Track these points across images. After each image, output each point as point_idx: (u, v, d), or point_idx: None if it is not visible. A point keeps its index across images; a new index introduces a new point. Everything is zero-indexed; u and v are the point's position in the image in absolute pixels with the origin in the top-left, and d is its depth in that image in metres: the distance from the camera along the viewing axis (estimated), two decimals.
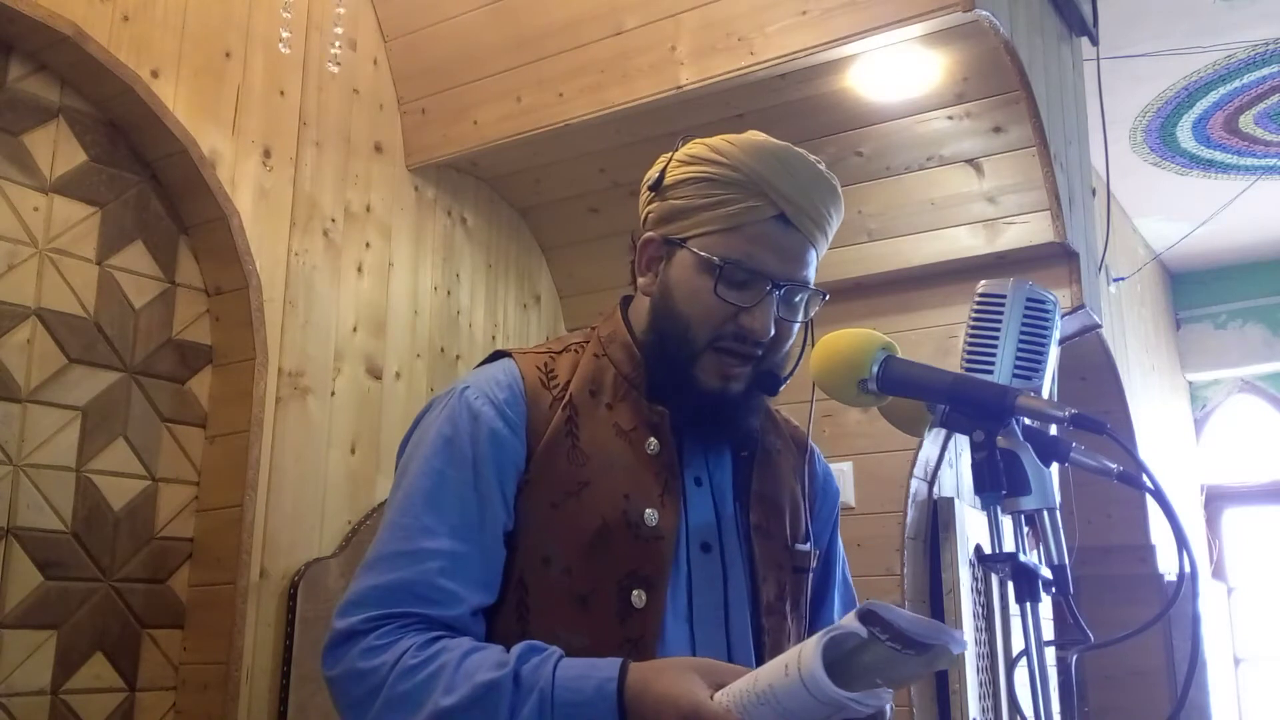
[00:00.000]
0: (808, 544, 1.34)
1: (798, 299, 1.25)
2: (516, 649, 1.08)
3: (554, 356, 1.29)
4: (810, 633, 1.35)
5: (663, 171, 1.27)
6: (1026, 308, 1.10)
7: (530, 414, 1.22)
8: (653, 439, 1.23)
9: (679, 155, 1.27)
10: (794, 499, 1.35)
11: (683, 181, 1.24)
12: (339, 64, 2.75)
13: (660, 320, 1.25)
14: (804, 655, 0.90)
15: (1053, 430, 1.03)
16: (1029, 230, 2.70)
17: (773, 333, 1.22)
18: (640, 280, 1.29)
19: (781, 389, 1.28)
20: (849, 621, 0.91)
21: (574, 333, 1.39)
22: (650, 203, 1.29)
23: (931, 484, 3.02)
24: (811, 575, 1.35)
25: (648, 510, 1.20)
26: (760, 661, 1.23)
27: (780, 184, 1.21)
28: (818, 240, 1.25)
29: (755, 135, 1.26)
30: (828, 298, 1.27)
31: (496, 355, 1.32)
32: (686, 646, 1.19)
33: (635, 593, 1.17)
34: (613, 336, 1.31)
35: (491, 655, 1.08)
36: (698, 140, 1.28)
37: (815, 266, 1.26)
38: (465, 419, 1.21)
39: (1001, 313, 1.10)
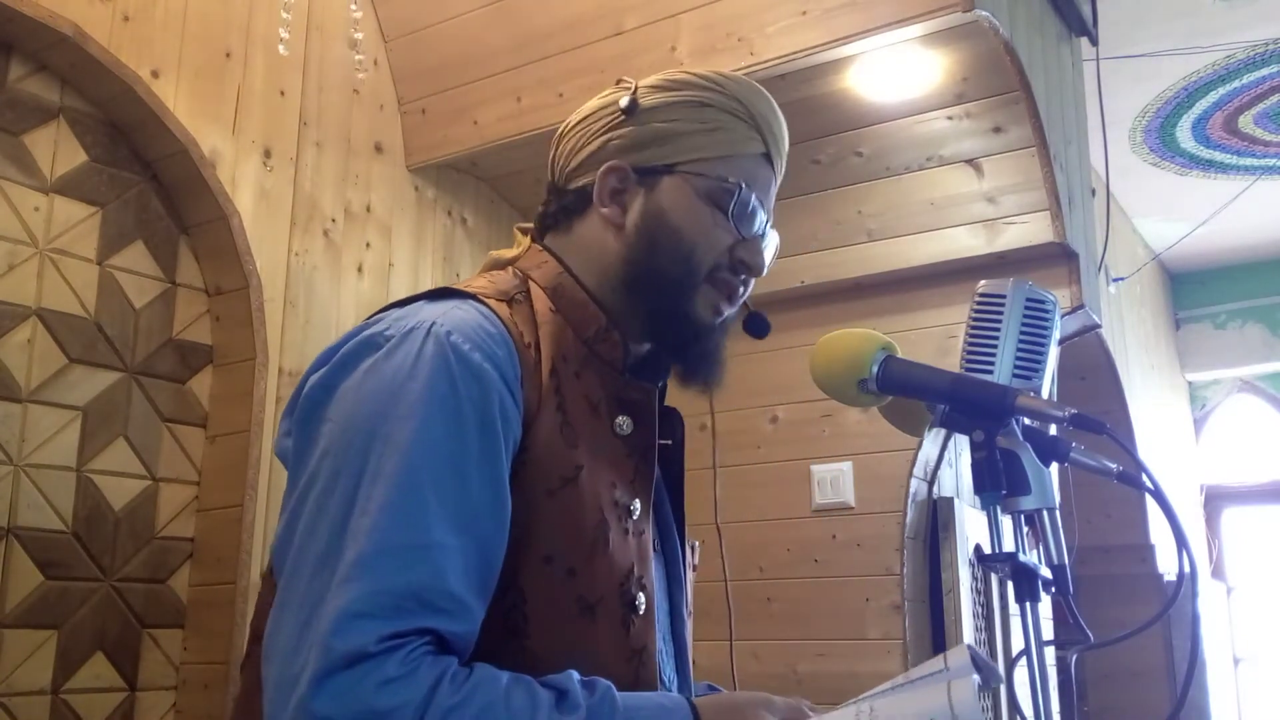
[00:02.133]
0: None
1: (768, 241, 1.20)
2: (571, 685, 0.94)
3: (510, 306, 1.09)
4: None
5: (634, 98, 1.15)
6: (1026, 308, 1.10)
7: (524, 377, 1.03)
8: (624, 417, 1.10)
9: (651, 83, 1.17)
10: None
11: (670, 104, 1.15)
12: (364, 70, 2.76)
13: (655, 248, 1.12)
14: (959, 703, 0.88)
15: (1052, 430, 1.03)
16: (1029, 230, 2.70)
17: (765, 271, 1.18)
18: (604, 212, 1.15)
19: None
20: (969, 668, 0.91)
21: (491, 274, 1.17)
22: (615, 129, 1.16)
23: (931, 484, 3.02)
24: None
25: (633, 501, 1.08)
26: (688, 666, 1.19)
27: (772, 122, 1.17)
28: (778, 180, 1.21)
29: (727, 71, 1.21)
30: (779, 240, 1.23)
31: (444, 293, 1.09)
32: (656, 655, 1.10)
33: (639, 597, 1.05)
34: (560, 290, 1.13)
35: (540, 693, 0.92)
36: (667, 71, 1.20)
37: None
38: (467, 378, 0.97)
39: (1001, 313, 1.10)
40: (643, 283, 1.13)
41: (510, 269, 1.17)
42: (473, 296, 1.07)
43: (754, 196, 1.14)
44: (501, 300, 1.08)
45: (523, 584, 1.00)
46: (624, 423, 1.10)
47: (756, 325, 1.22)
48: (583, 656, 0.99)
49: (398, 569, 0.90)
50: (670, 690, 1.14)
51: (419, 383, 0.96)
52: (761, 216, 1.16)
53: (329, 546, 0.92)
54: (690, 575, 1.25)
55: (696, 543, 1.29)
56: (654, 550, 1.13)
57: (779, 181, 1.22)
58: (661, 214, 1.13)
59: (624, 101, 1.15)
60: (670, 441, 1.20)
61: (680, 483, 1.23)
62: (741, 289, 1.17)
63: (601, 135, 1.17)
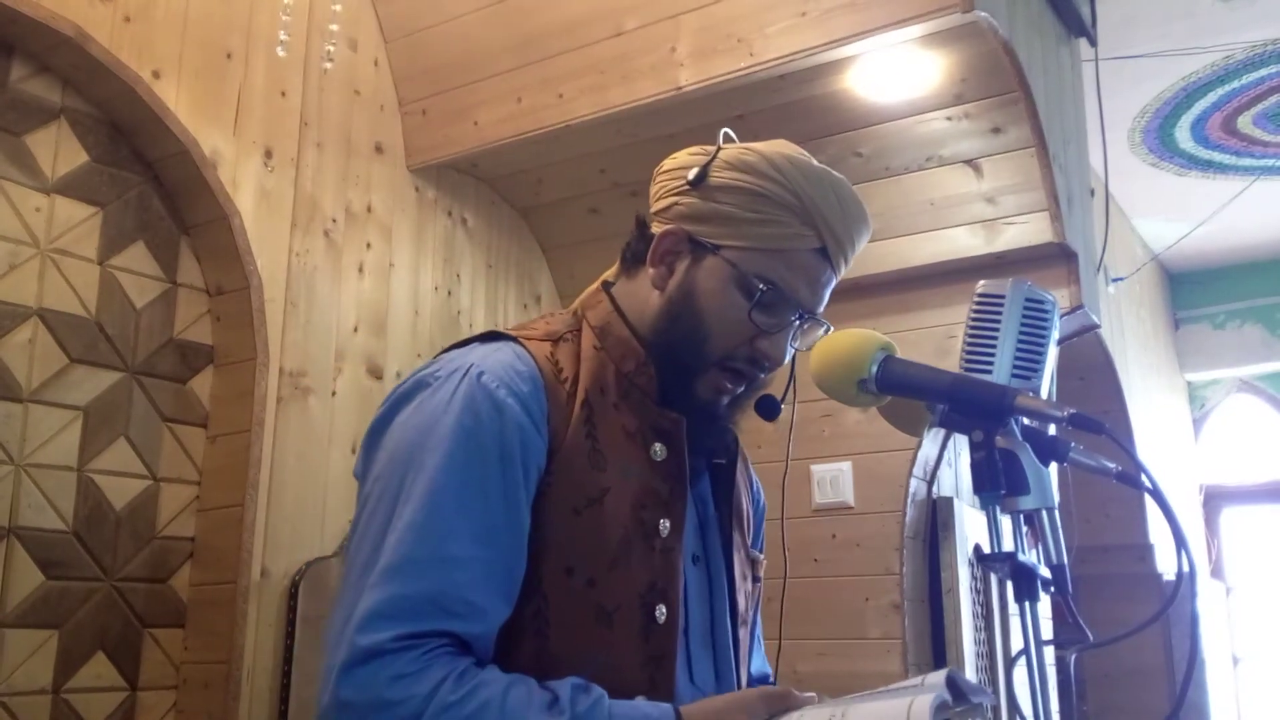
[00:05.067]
0: (757, 551, 1.35)
1: (807, 328, 1.23)
2: (565, 690, 1.02)
3: (555, 345, 1.20)
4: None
5: (705, 169, 1.20)
6: (1025, 308, 1.10)
7: (550, 410, 1.14)
8: (659, 444, 1.18)
9: (727, 157, 1.21)
10: (747, 506, 1.36)
11: (730, 188, 1.19)
12: (332, 60, 2.75)
13: (676, 324, 1.20)
14: (914, 715, 0.90)
15: (1051, 430, 1.03)
16: (1028, 230, 2.71)
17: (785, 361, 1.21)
18: (651, 271, 1.23)
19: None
20: (939, 687, 0.92)
21: (551, 316, 1.28)
22: (681, 194, 1.22)
23: (931, 484, 3.02)
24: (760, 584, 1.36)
25: (662, 520, 1.16)
26: (738, 675, 1.24)
27: (831, 218, 1.18)
28: (840, 273, 1.24)
29: (809, 157, 1.22)
30: (830, 330, 1.25)
31: (493, 336, 1.21)
32: (684, 664, 1.17)
33: (659, 608, 1.13)
34: (606, 329, 1.23)
35: (535, 693, 1.02)
36: (747, 147, 1.22)
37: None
38: (488, 410, 1.10)
39: (1000, 313, 1.10)
40: (657, 350, 1.20)
41: (574, 309, 1.28)
42: (515, 339, 1.19)
43: (785, 295, 1.17)
44: (546, 340, 1.20)
45: (546, 591, 1.11)
46: (659, 449, 1.18)
47: (766, 407, 1.26)
48: (598, 660, 1.09)
49: (416, 578, 1.03)
50: (704, 695, 1.19)
51: (451, 417, 1.10)
52: (788, 314, 1.19)
53: (369, 557, 1.07)
54: (749, 587, 1.31)
55: (761, 558, 1.35)
56: (694, 563, 1.22)
57: (841, 271, 1.24)
58: (693, 293, 1.19)
59: (692, 174, 1.21)
60: (724, 461, 1.29)
61: (730, 499, 1.29)
62: (760, 375, 1.22)
63: (672, 195, 1.23)
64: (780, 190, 1.17)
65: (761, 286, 1.16)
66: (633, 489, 1.15)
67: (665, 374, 1.20)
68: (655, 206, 1.26)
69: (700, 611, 1.22)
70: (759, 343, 1.18)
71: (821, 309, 1.23)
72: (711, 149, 1.23)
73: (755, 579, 1.33)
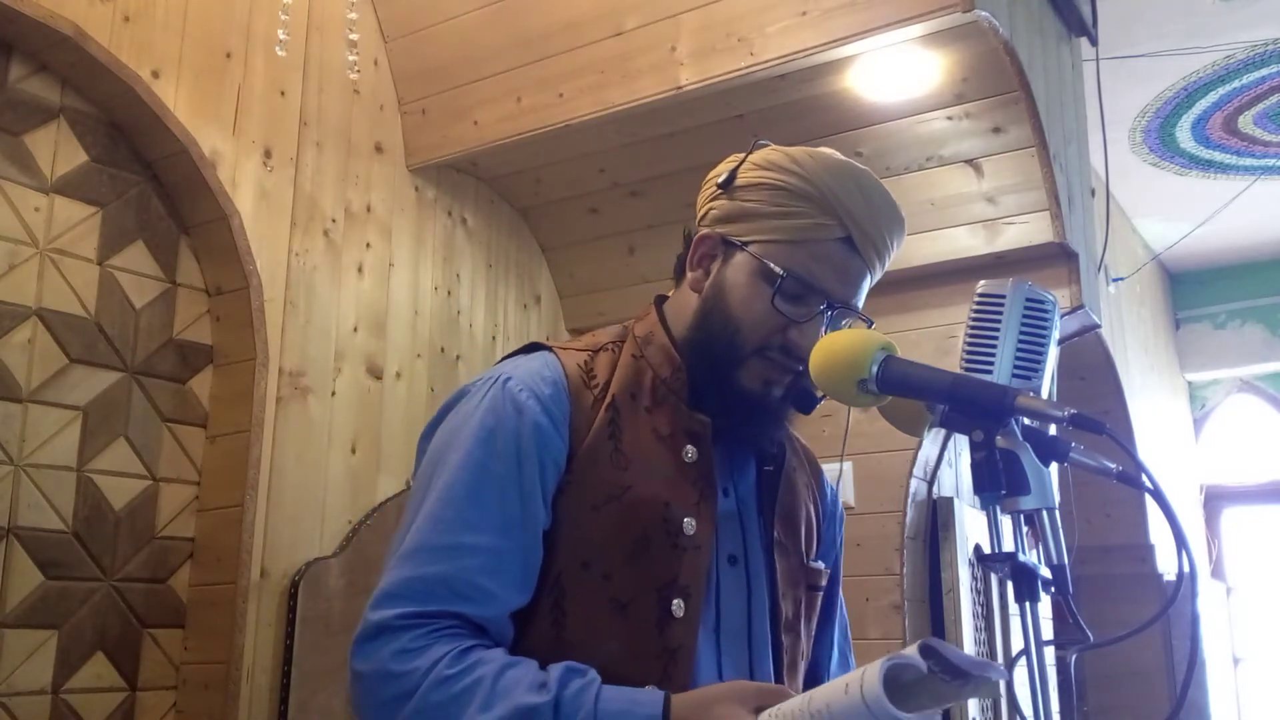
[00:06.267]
0: (820, 562, 1.36)
1: (845, 322, 1.25)
2: (556, 672, 1.06)
3: (592, 354, 1.27)
4: (813, 654, 1.37)
5: (734, 171, 1.25)
6: (1026, 308, 1.10)
7: (573, 412, 1.20)
8: (690, 447, 1.22)
9: (754, 158, 1.26)
10: (809, 517, 1.36)
11: (754, 185, 1.23)
12: (359, 70, 2.75)
13: (709, 319, 1.24)
14: (867, 677, 0.93)
15: (1052, 430, 1.03)
16: (1028, 230, 2.71)
17: None
18: (690, 275, 1.28)
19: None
20: (910, 653, 0.93)
21: (604, 330, 1.34)
22: (714, 199, 1.27)
23: (931, 484, 3.02)
24: (821, 595, 1.36)
25: (686, 519, 1.19)
26: (779, 679, 1.26)
27: (853, 208, 1.21)
28: (876, 268, 1.25)
29: (834, 153, 1.26)
30: (873, 325, 1.25)
31: (533, 347, 1.29)
32: (713, 660, 1.19)
33: (675, 602, 1.16)
34: (649, 338, 1.29)
35: (529, 674, 1.06)
36: (775, 147, 1.27)
37: (866, 292, 1.27)
38: (509, 411, 1.18)
39: (1001, 313, 1.10)
40: (695, 348, 1.25)
41: (627, 322, 1.35)
42: (550, 349, 1.26)
43: (809, 284, 1.20)
44: (585, 351, 1.27)
45: (564, 582, 1.16)
46: (690, 451, 1.22)
47: (802, 402, 1.27)
48: (611, 649, 1.13)
49: (428, 562, 1.12)
50: None
51: (476, 419, 1.19)
52: (814, 304, 1.21)
53: (396, 547, 1.15)
54: (799, 594, 1.31)
55: (822, 568, 1.36)
56: (730, 564, 1.25)
57: (884, 261, 1.25)
58: (723, 289, 1.24)
59: (721, 178, 1.26)
60: (771, 467, 1.32)
61: (774, 504, 1.30)
62: (799, 367, 1.22)
63: (708, 201, 1.29)
64: (800, 183, 1.21)
65: (781, 275, 1.19)
66: (658, 489, 1.19)
67: (701, 372, 1.24)
68: (698, 215, 1.31)
69: (735, 612, 1.23)
70: (790, 333, 1.21)
71: (858, 302, 1.25)
72: (735, 160, 1.27)
73: (811, 587, 1.34)
